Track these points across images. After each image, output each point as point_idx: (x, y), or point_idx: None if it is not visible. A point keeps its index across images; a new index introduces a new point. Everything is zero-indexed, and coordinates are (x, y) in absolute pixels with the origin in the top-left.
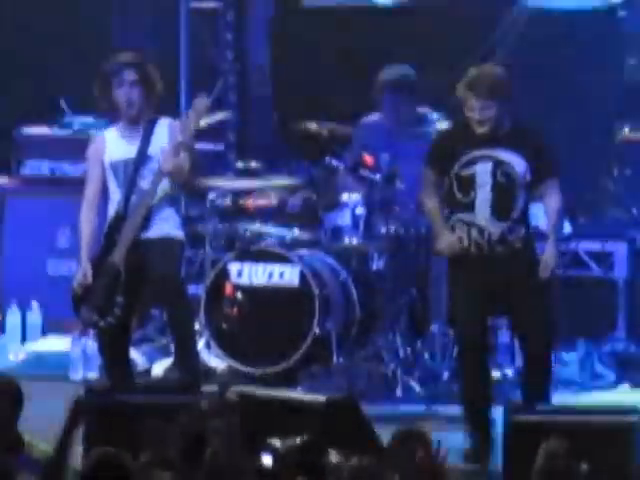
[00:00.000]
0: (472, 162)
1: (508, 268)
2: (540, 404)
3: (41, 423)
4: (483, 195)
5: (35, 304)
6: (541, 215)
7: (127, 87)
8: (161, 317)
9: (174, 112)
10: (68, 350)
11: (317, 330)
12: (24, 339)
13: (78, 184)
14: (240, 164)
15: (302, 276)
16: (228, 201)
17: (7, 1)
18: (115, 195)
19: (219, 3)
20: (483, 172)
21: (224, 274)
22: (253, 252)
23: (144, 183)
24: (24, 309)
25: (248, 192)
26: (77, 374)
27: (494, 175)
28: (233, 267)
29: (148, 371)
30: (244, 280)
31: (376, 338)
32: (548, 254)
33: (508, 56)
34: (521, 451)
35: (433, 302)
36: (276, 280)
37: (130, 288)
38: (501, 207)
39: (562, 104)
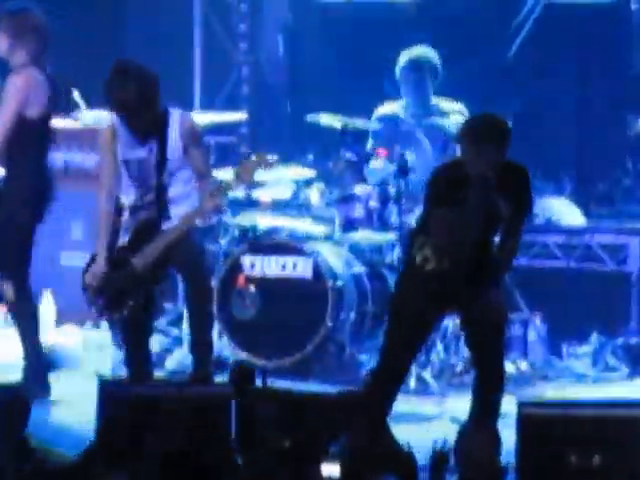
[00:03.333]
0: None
1: None
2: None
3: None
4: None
5: (48, 294)
6: (552, 207)
7: None
8: (174, 310)
9: (188, 102)
10: (81, 342)
11: (330, 322)
12: None
13: (92, 176)
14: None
15: (315, 268)
16: (241, 193)
17: None
18: (129, 189)
19: None
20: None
21: (237, 266)
22: (266, 244)
23: (166, 179)
24: (37, 300)
25: (261, 184)
26: (90, 365)
27: None
28: (246, 259)
29: (161, 363)
30: (257, 272)
31: None
32: (491, 296)
33: (522, 47)
34: (534, 445)
35: None
36: (289, 272)
37: (148, 289)
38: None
39: (576, 97)
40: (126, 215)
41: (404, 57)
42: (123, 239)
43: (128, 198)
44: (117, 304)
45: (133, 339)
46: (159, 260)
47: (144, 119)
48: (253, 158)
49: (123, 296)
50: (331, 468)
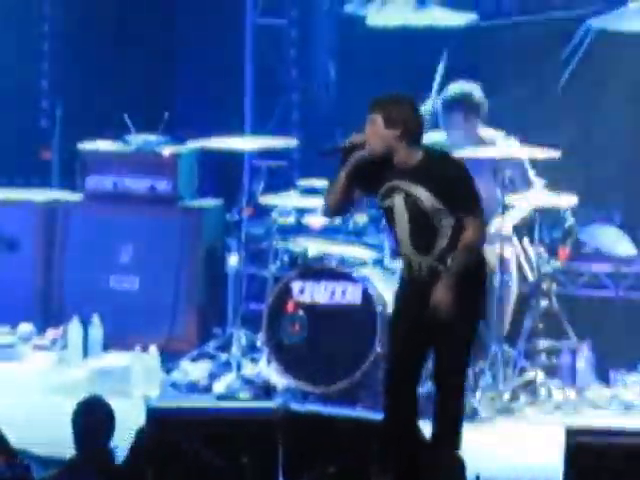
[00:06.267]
0: (388, 194)
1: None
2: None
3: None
4: (401, 228)
5: (96, 318)
6: (601, 236)
7: None
8: (223, 334)
9: (239, 127)
10: (129, 365)
11: (379, 349)
12: (86, 354)
13: (141, 200)
14: (303, 182)
15: (364, 294)
16: (291, 219)
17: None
18: None
19: (284, 20)
20: (398, 204)
21: (286, 291)
22: (316, 270)
23: None
24: (86, 324)
25: (311, 210)
26: (138, 390)
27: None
28: (295, 285)
29: (209, 388)
30: (306, 298)
31: None
32: (437, 293)
33: (573, 75)
34: (582, 473)
35: (493, 323)
36: (338, 298)
37: None
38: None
39: (627, 126)
40: None
41: (444, 94)
42: None
43: None
44: None
45: None
46: None
47: None
48: None
49: None
50: None
